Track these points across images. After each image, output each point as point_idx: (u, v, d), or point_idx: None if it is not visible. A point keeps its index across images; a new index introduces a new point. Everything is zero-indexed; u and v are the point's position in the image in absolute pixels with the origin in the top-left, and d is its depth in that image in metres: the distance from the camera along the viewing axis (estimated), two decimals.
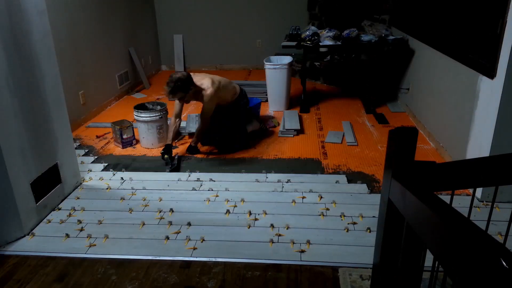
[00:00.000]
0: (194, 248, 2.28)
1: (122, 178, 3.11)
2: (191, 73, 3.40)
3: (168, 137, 3.46)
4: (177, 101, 3.44)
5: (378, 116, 4.41)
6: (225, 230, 2.45)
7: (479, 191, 2.70)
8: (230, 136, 3.68)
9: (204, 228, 2.47)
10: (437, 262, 1.24)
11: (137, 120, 3.65)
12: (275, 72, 4.57)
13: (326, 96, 5.25)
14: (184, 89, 3.24)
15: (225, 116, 3.65)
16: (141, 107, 3.75)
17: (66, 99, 2.86)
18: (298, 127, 4.00)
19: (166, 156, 3.31)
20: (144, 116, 3.59)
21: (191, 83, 3.28)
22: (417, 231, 0.97)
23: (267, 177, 3.07)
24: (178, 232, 2.43)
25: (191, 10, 6.57)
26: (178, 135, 3.86)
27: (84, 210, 2.70)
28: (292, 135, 3.90)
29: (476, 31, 2.81)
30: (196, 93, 3.36)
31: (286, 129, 3.97)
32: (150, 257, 2.22)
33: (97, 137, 3.99)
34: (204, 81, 3.38)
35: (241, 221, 2.53)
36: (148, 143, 3.69)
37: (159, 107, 3.72)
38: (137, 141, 3.80)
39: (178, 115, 3.45)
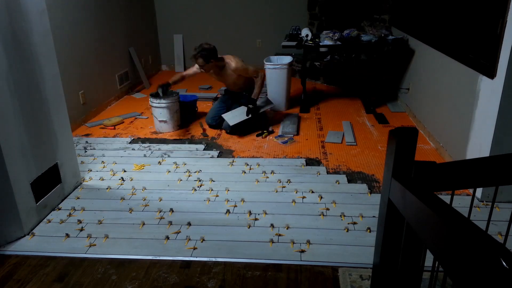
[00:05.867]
0: (194, 248, 2.29)
1: (122, 178, 3.11)
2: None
3: (172, 79, 4.03)
4: (194, 69, 4.04)
5: (378, 116, 4.41)
6: (225, 230, 2.45)
7: (479, 191, 2.70)
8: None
9: (204, 228, 2.47)
10: (437, 262, 1.24)
11: (156, 107, 4.01)
12: (275, 72, 4.57)
13: (326, 96, 5.26)
14: (206, 59, 3.70)
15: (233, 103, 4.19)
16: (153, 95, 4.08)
17: (66, 99, 2.86)
18: (294, 131, 4.00)
19: (162, 89, 3.94)
20: (165, 102, 3.97)
21: (213, 56, 3.74)
22: (417, 231, 0.97)
23: (267, 177, 3.08)
24: (178, 232, 2.43)
25: (191, 10, 6.57)
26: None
27: (84, 210, 2.70)
28: (288, 139, 3.90)
29: (476, 31, 2.81)
30: (218, 68, 3.87)
31: (284, 132, 3.97)
32: (150, 257, 2.22)
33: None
34: (231, 59, 3.90)
35: (241, 221, 2.53)
36: (168, 128, 4.10)
37: (173, 93, 4.12)
38: None
39: (185, 77, 4.08)
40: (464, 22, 3.02)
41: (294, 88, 5.05)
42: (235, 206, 2.70)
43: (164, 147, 3.71)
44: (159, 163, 3.37)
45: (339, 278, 2.03)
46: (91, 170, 3.28)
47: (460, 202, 2.47)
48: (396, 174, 1.11)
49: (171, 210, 2.66)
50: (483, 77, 2.66)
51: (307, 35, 4.64)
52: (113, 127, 4.27)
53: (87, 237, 2.40)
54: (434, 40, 3.67)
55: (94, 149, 3.70)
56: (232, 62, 3.88)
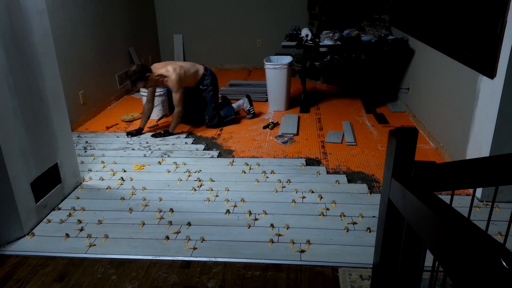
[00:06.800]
0: (194, 248, 2.28)
1: (122, 178, 3.11)
2: (154, 64, 3.91)
3: (141, 122, 4.04)
4: (148, 89, 3.96)
5: (378, 116, 4.40)
6: (225, 230, 2.45)
7: (479, 191, 2.70)
8: (202, 113, 4.20)
9: (204, 228, 2.47)
10: (437, 262, 1.24)
11: (144, 96, 4.25)
12: (275, 72, 4.57)
13: (326, 96, 5.26)
14: (142, 78, 3.69)
15: (194, 96, 4.17)
16: None
17: (66, 99, 2.86)
18: (294, 131, 4.00)
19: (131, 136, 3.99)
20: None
21: (147, 70, 3.72)
22: (417, 231, 0.97)
23: (267, 177, 3.07)
24: (178, 232, 2.43)
25: (191, 10, 6.57)
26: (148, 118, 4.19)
27: (84, 210, 2.70)
28: (288, 140, 3.90)
29: (476, 31, 2.81)
30: (159, 78, 3.82)
31: (283, 133, 3.97)
32: (150, 257, 2.22)
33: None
34: (168, 67, 3.82)
35: (241, 221, 2.53)
36: (153, 115, 4.35)
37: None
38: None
39: (150, 101, 4.03)
40: (464, 22, 3.02)
41: (294, 88, 5.05)
42: (235, 206, 2.70)
43: (164, 147, 3.72)
44: (159, 163, 3.37)
45: (339, 278, 2.03)
46: (91, 170, 3.28)
47: (460, 202, 2.46)
48: (396, 174, 1.11)
49: (171, 210, 2.66)
50: (483, 77, 2.66)
51: (307, 35, 4.64)
52: (127, 123, 4.42)
53: (87, 237, 2.40)
54: (434, 40, 3.67)
55: (94, 149, 3.70)
56: (171, 75, 3.78)
